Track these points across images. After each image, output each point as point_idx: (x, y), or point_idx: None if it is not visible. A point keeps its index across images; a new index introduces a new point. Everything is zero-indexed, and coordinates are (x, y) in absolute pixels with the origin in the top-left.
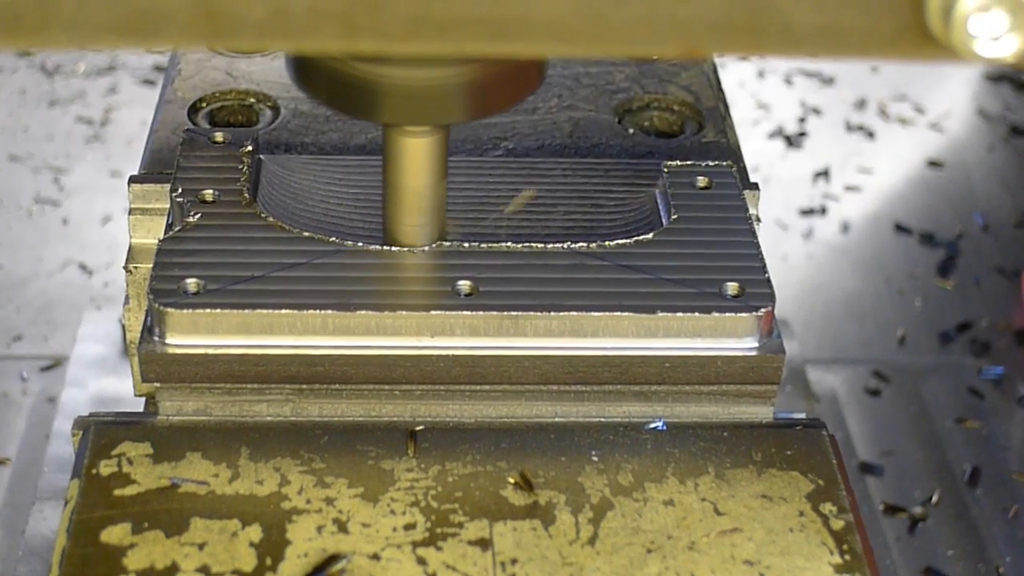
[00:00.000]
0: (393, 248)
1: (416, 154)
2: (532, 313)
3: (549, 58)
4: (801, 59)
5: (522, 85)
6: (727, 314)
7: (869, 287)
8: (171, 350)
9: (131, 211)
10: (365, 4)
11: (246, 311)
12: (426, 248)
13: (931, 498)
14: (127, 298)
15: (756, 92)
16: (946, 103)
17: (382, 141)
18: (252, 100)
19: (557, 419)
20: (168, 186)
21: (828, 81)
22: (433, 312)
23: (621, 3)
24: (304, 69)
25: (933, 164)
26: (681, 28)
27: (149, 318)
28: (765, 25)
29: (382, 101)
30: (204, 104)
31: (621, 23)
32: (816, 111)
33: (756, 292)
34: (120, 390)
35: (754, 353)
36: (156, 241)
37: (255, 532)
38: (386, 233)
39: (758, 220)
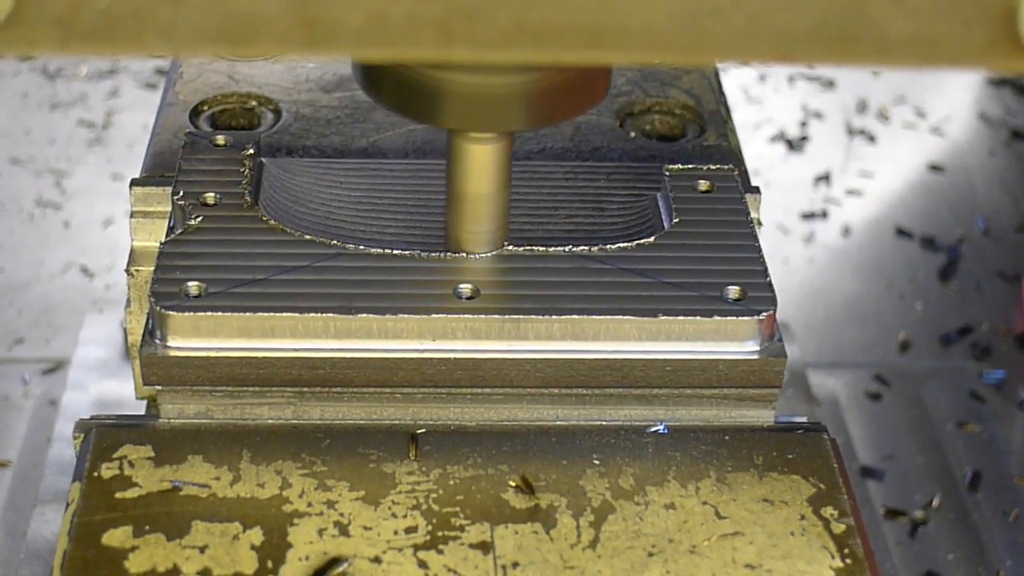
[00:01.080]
0: (394, 251)
1: (481, 161)
2: (533, 316)
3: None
4: (894, 69)
5: (588, 94)
6: (728, 318)
7: (870, 291)
8: (172, 353)
9: (132, 214)
10: (463, 12)
11: (247, 314)
12: (489, 255)
13: (932, 502)
14: (128, 301)
15: (758, 96)
16: (947, 107)
17: (447, 147)
18: (254, 103)
19: (558, 422)
20: (170, 189)
21: (829, 85)
22: (434, 315)
23: (718, 12)
24: (370, 73)
25: (934, 168)
26: (776, 37)
27: (150, 321)
28: (859, 35)
29: (449, 106)
30: (206, 107)
31: (717, 32)
32: (817, 115)
33: (757, 296)
34: (121, 393)
35: (755, 357)
36: (158, 244)
37: (256, 535)
38: (448, 239)
39: (759, 224)
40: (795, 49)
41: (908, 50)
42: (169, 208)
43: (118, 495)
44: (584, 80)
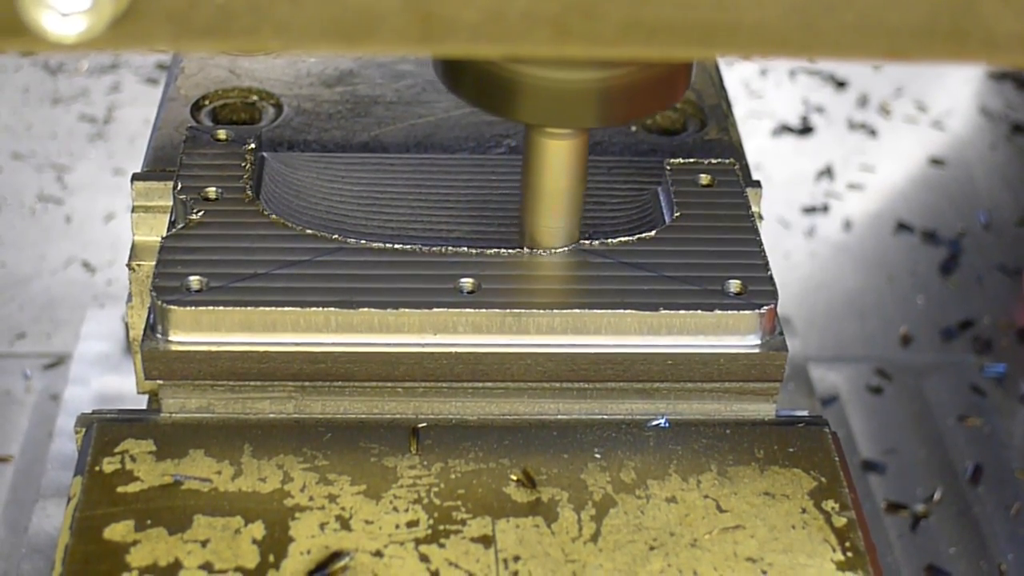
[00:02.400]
0: (396, 245)
1: (558, 156)
2: (535, 310)
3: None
4: (1001, 66)
5: (668, 92)
6: (730, 312)
7: (871, 285)
8: (174, 347)
9: (134, 209)
10: (579, 9)
11: (249, 308)
12: (566, 249)
13: (933, 496)
14: (130, 296)
15: (759, 90)
16: (948, 101)
17: (524, 143)
18: (255, 98)
19: (560, 416)
20: (171, 184)
21: (831, 79)
22: (436, 309)
23: (830, 9)
24: (452, 67)
25: (935, 162)
26: (886, 34)
27: (152, 315)
28: (968, 32)
29: (530, 102)
30: (207, 102)
31: (829, 29)
32: (819, 109)
33: (759, 290)
34: (123, 387)
35: (757, 351)
36: (159, 239)
37: (258, 529)
38: (524, 235)
39: (760, 218)
40: (904, 46)
41: (1016, 47)
42: (170, 203)
43: (120, 489)
44: (663, 77)
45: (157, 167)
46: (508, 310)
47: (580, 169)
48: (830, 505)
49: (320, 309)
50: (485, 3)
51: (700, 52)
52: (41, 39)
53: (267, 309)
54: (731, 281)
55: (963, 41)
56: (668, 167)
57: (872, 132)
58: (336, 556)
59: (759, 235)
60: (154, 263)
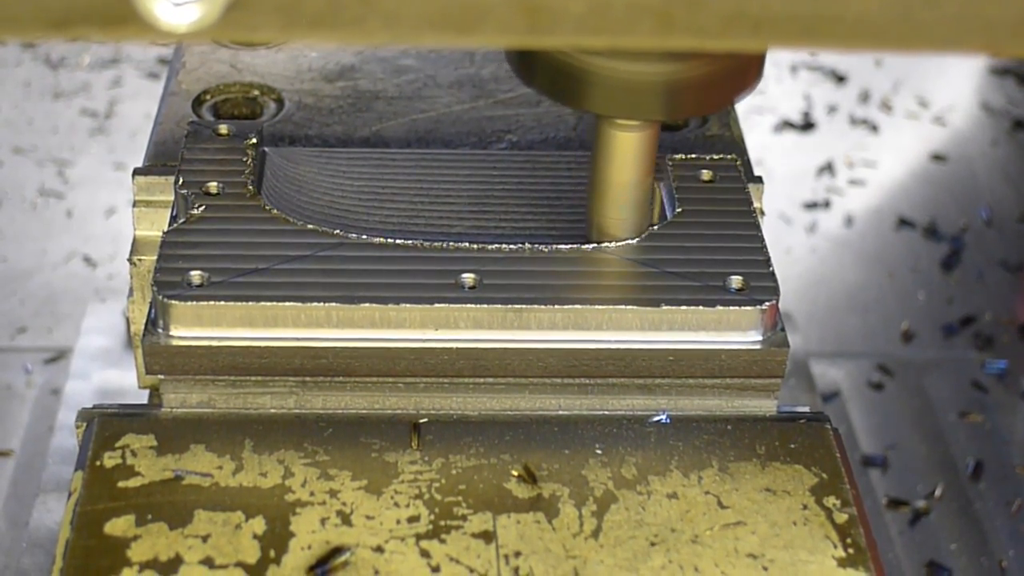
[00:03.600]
0: (397, 241)
1: (628, 148)
2: (536, 306)
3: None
4: None
5: (738, 85)
6: (731, 307)
7: (872, 281)
8: (175, 342)
9: (135, 203)
10: (684, 0)
11: (250, 303)
12: (633, 242)
13: (934, 492)
14: (131, 290)
15: (760, 86)
16: (950, 97)
17: (594, 134)
18: (256, 92)
19: (561, 412)
20: (172, 178)
21: (832, 75)
22: (437, 305)
23: (932, 3)
24: (525, 57)
25: (937, 158)
26: (987, 28)
27: (153, 310)
28: None
29: (600, 92)
30: (208, 96)
31: (929, 22)
32: (820, 105)
33: (760, 285)
34: (124, 382)
35: (758, 347)
36: (160, 233)
37: (259, 524)
38: (591, 227)
39: (762, 213)
40: (1003, 40)
41: None
42: (172, 197)
43: (120, 484)
44: (733, 71)
45: (158, 162)
46: (509, 306)
47: (649, 161)
48: (831, 501)
49: (321, 304)
50: None
51: (800, 43)
52: (152, 28)
53: (268, 304)
54: (733, 277)
55: None
56: (670, 163)
57: (874, 128)
58: (337, 551)
59: (761, 231)
60: (155, 258)
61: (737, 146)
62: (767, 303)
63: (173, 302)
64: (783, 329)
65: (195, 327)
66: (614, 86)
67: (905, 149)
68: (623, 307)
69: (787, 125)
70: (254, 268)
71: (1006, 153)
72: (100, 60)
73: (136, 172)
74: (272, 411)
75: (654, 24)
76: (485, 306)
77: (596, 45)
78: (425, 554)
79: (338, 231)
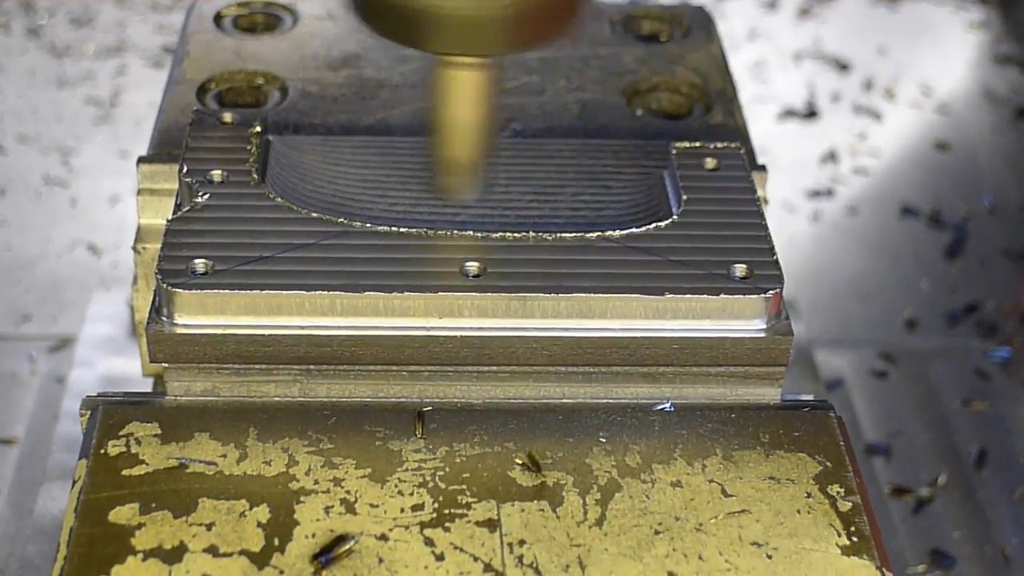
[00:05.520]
0: (401, 229)
1: (463, 86)
2: (540, 294)
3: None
4: None
5: (559, 20)
6: (735, 296)
7: (876, 269)
8: (179, 330)
9: (140, 191)
10: None
11: (254, 291)
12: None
13: (938, 480)
14: (135, 278)
15: (764, 74)
16: (953, 85)
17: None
18: (261, 81)
19: (565, 400)
20: (177, 166)
21: (835, 63)
22: (441, 293)
23: None
24: (366, 3)
25: (940, 146)
26: None
27: (157, 298)
28: None
29: (436, 31)
30: (213, 85)
31: None
32: (824, 93)
33: (764, 274)
34: (128, 370)
35: (762, 335)
36: (164, 221)
37: (263, 512)
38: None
39: (766, 202)
40: None
41: None
42: (176, 185)
43: (125, 472)
44: (550, 6)
45: (163, 150)
46: (513, 294)
47: (482, 102)
48: (835, 490)
49: (325, 292)
50: None
51: None
52: None
53: (272, 292)
54: (737, 265)
55: None
56: (674, 151)
57: (877, 116)
58: (341, 539)
59: (765, 219)
60: (160, 246)
61: (741, 134)
62: (771, 291)
63: (177, 290)
64: (787, 317)
65: (199, 315)
66: (442, 23)
67: (908, 137)
68: (627, 295)
69: (790, 113)
70: (258, 256)
71: (1009, 141)
72: (104, 49)
73: (140, 160)
74: (276, 399)
75: None
76: (489, 294)
77: None
78: (429, 542)
79: (342, 219)
